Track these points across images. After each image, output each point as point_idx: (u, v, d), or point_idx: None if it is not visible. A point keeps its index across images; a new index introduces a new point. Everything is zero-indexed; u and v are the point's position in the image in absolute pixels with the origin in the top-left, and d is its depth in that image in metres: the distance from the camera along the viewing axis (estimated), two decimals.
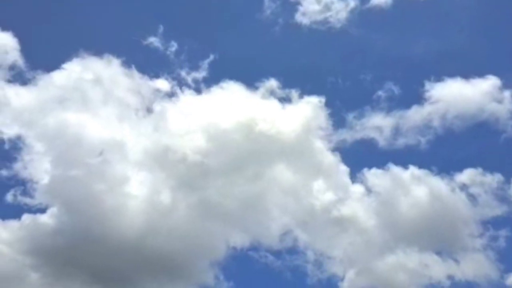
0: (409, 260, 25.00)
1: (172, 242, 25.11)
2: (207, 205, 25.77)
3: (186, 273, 24.87)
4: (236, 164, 26.76)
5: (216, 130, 27.37)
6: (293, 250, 26.19)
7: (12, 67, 27.62)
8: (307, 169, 27.13)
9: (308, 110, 28.56)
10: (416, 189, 26.85)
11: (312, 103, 28.71)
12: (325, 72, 30.81)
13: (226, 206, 25.70)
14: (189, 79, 29.56)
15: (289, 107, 28.98)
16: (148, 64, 29.52)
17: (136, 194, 25.70)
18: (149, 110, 28.47)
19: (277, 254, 26.12)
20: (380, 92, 29.95)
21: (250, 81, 29.16)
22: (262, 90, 29.20)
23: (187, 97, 29.24)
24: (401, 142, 28.83)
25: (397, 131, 29.04)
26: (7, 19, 28.31)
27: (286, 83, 29.37)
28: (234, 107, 28.27)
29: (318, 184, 27.02)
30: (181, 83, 29.44)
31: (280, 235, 26.12)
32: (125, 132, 27.45)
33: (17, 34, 27.79)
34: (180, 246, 25.13)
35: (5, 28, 27.68)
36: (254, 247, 26.01)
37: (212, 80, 29.41)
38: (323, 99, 28.82)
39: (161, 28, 30.09)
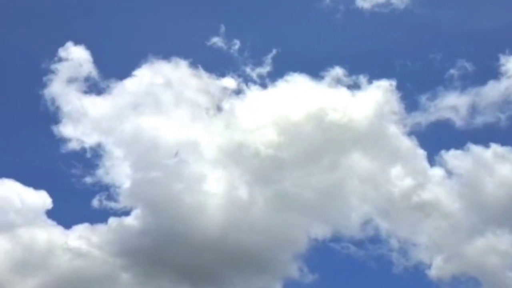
0: (500, 242, 24.04)
1: (253, 236, 25.40)
2: (284, 198, 25.84)
3: (270, 267, 25.09)
4: (310, 155, 26.66)
5: (287, 123, 27.37)
6: (376, 239, 25.85)
7: (87, 79, 28.78)
8: (383, 155, 26.65)
9: (378, 95, 28.02)
10: (501, 167, 25.76)
11: (382, 87, 28.12)
12: (393, 55, 30.17)
13: (304, 198, 25.68)
14: (254, 75, 29.75)
15: (358, 94, 28.55)
16: (213, 63, 29.94)
17: (214, 192, 26.16)
18: (219, 109, 28.92)
19: (359, 244, 25.89)
20: (452, 71, 28.94)
21: (315, 71, 28.97)
22: (328, 79, 28.92)
23: (253, 93, 29.42)
24: (479, 120, 27.78)
25: (474, 109, 27.99)
26: (78, 33, 29.62)
27: (353, 70, 28.96)
28: (301, 99, 28.14)
29: (396, 170, 26.46)
30: (247, 80, 29.70)
31: (361, 224, 25.85)
32: (198, 132, 28.00)
33: (89, 47, 28.94)
34: (261, 240, 25.37)
35: (77, 42, 28.90)
36: (336, 238, 25.89)
37: (277, 74, 29.44)
38: (393, 83, 28.21)
39: (222, 28, 30.40)
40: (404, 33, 31.12)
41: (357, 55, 30.20)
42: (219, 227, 25.50)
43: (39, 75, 28.04)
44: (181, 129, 28.08)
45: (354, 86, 28.73)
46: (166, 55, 29.25)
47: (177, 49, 29.83)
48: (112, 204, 26.36)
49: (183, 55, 29.29)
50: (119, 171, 27.33)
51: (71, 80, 28.32)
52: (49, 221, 25.88)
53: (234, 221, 25.60)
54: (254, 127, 27.56)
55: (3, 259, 24.42)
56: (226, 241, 25.25)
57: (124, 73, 28.93)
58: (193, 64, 29.30)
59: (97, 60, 28.88)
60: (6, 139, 28.12)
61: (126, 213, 26.22)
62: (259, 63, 29.90)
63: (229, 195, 26.10)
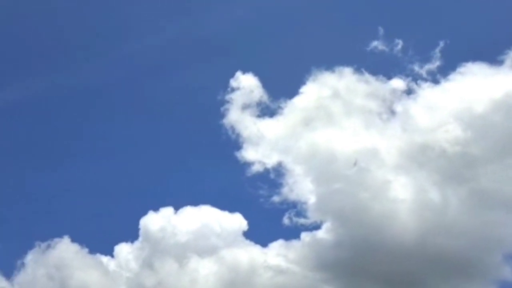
0: None
1: (453, 239, 24.19)
2: (482, 196, 24.28)
3: (478, 270, 23.69)
4: (503, 146, 24.76)
5: (471, 117, 25.81)
6: None
7: (259, 103, 30.09)
8: None
9: None
10: None
11: None
12: None
13: (505, 193, 23.87)
14: (423, 72, 28.68)
15: None
16: (378, 67, 29.50)
17: (403, 198, 25.50)
18: (392, 112, 28.31)
19: None
20: None
21: (492, 57, 27.04)
22: (508, 62, 26.79)
23: (425, 91, 28.34)
24: None
25: None
26: (245, 62, 31.25)
27: None
28: (482, 88, 26.41)
29: None
30: (416, 78, 28.71)
31: None
32: (374, 138, 27.65)
33: (256, 73, 30.33)
34: (463, 243, 24.08)
35: (245, 71, 30.45)
36: None
37: (448, 67, 28.12)
38: None
39: (381, 30, 29.91)
40: None
41: None
42: (414, 233, 24.75)
43: (216, 106, 30.13)
44: (356, 137, 27.97)
45: None
46: (328, 66, 29.56)
47: (338, 58, 30.10)
48: (302, 220, 27.07)
49: (346, 63, 29.40)
50: (303, 187, 28.02)
51: (245, 107, 29.91)
52: (247, 241, 27.44)
53: (429, 225, 24.65)
54: (434, 125, 26.44)
55: (212, 280, 26.29)
56: (424, 246, 24.39)
57: (291, 91, 29.82)
58: (358, 70, 29.22)
59: (265, 84, 30.20)
60: (197, 169, 30.54)
61: (317, 227, 26.76)
62: (426, 59, 28.82)
63: (420, 199, 25.25)
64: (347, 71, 29.26)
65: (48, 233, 27.63)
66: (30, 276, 27.49)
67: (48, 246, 27.67)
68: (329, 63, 29.48)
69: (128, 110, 32.08)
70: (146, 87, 32.33)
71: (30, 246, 27.49)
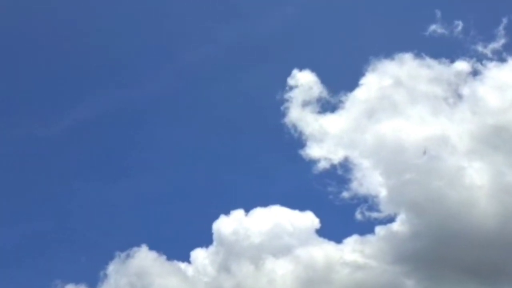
0: None
1: None
2: None
3: None
4: None
5: None
6: None
7: (318, 100, 29.88)
8: None
9: None
10: None
11: None
12: None
13: None
14: (487, 52, 27.69)
15: None
16: (439, 51, 28.66)
17: (480, 184, 24.68)
18: (459, 96, 27.44)
19: None
20: None
21: None
22: None
23: (492, 71, 27.34)
24: None
25: None
26: (300, 59, 31.10)
27: None
28: None
29: None
30: (480, 59, 27.75)
31: None
32: (443, 124, 26.91)
33: (313, 69, 30.13)
34: None
35: (302, 68, 30.29)
36: None
37: None
38: None
39: (438, 13, 29.02)
40: None
41: None
42: (495, 219, 23.91)
43: (276, 106, 30.16)
44: (423, 125, 27.33)
45: None
46: (387, 53, 28.97)
47: (397, 45, 29.40)
48: (375, 214, 26.68)
49: (405, 49, 28.70)
50: (372, 181, 27.57)
51: (305, 104, 29.78)
52: (321, 239, 27.33)
53: (511, 210, 23.75)
54: (506, 105, 25.47)
55: (289, 279, 26.40)
56: (506, 232, 23.52)
57: (351, 84, 29.42)
58: (418, 56, 28.50)
59: (324, 79, 29.91)
60: (264, 170, 30.73)
61: (391, 220, 26.30)
62: (490, 38, 27.87)
63: (498, 184, 24.37)
64: (408, 57, 28.65)
65: (127, 243, 28.62)
66: (113, 286, 28.55)
67: (128, 256, 28.67)
68: (388, 51, 28.95)
69: (191, 118, 32.66)
70: (206, 94, 32.86)
71: (111, 257, 28.59)
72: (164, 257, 28.30)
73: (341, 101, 29.45)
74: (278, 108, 30.06)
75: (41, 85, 33.61)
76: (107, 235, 30.07)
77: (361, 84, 29.16)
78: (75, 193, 31.17)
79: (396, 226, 25.96)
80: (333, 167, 28.42)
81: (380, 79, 28.89)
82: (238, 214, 28.95)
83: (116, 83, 32.90)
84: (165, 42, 33.83)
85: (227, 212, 28.93)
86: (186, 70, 33.00)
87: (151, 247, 28.39)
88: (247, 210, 28.82)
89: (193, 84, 33.33)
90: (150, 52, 33.92)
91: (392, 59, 28.83)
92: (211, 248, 28.53)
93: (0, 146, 30.52)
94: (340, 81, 29.87)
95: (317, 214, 27.58)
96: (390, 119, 27.99)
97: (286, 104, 30.01)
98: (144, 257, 28.72)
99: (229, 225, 28.85)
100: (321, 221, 27.36)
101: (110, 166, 32.43)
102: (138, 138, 32.01)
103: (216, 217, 28.80)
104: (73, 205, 30.76)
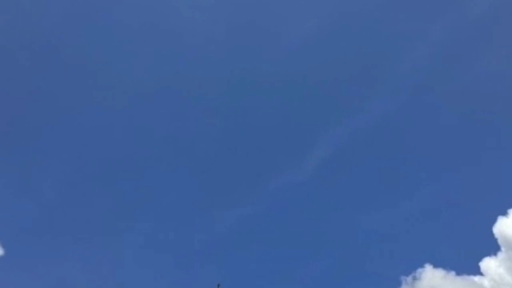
0: None
1: None
2: None
3: None
4: None
5: None
6: None
7: None
8: None
9: None
10: None
11: None
12: None
13: None
14: None
15: None
16: None
17: None
18: None
19: None
20: None
21: None
22: None
23: None
24: None
25: None
26: None
27: None
28: None
29: None
30: None
31: None
32: None
33: None
34: None
35: None
36: None
37: None
38: None
39: None
40: None
41: None
42: None
43: None
44: None
45: None
46: None
47: None
48: None
49: None
50: None
51: None
52: None
53: None
54: None
55: None
56: None
57: None
58: None
59: None
60: None
61: None
62: None
63: None
64: None
65: (410, 265, 28.83)
66: None
67: (414, 278, 28.78)
68: None
69: None
70: None
71: (398, 283, 29.10)
72: (452, 273, 27.66)
73: None
74: None
75: None
76: (388, 261, 30.81)
77: None
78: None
79: None
80: None
81: None
82: None
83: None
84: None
85: (503, 212, 26.89)
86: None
87: (436, 265, 28.02)
88: None
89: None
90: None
91: None
92: (500, 255, 26.74)
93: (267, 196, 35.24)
94: None
95: None
96: None
97: None
98: (431, 277, 28.47)
99: (510, 225, 26.69)
100: None
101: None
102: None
103: (493, 220, 27.03)
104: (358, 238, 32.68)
